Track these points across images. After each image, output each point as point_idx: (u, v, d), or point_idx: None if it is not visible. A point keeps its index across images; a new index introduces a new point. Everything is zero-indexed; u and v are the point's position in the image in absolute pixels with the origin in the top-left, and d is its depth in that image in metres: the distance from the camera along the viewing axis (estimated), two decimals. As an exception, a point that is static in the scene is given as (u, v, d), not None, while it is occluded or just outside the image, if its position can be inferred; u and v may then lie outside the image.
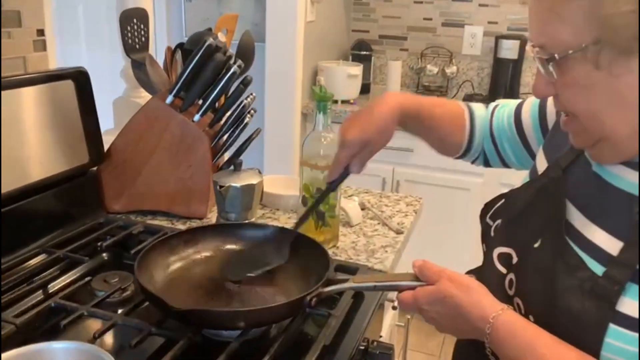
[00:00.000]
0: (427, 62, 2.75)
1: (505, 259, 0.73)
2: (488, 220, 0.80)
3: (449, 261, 2.60)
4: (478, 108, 0.99)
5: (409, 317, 1.31)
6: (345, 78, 2.45)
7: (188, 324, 0.77)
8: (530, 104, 0.90)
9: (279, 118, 2.39)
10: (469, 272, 0.77)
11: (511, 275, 0.72)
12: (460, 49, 2.76)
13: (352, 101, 2.49)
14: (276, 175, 1.40)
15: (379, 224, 1.23)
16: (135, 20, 1.26)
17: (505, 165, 0.98)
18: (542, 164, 0.78)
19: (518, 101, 0.94)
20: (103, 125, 1.23)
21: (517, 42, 2.54)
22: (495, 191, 2.42)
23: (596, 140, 0.63)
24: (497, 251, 0.75)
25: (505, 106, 0.96)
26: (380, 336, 1.06)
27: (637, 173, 0.62)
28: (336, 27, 2.76)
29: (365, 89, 2.64)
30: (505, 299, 0.70)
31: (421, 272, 0.72)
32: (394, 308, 1.15)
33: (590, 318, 0.60)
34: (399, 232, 1.19)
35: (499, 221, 0.78)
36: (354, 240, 1.15)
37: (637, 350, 0.57)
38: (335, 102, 2.45)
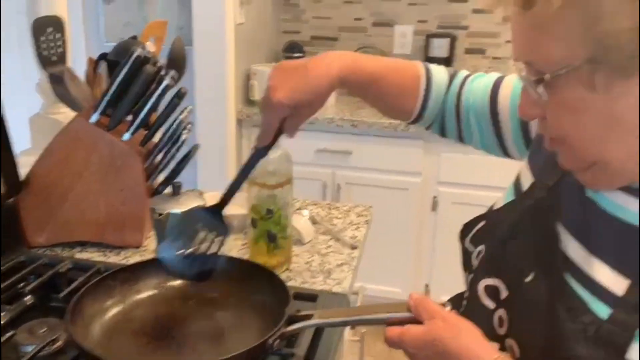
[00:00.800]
0: (360, 62, 2.73)
1: (492, 292, 0.67)
2: (468, 245, 0.74)
3: (393, 261, 2.59)
4: (438, 73, 0.88)
5: (363, 330, 1.26)
6: (279, 81, 2.37)
7: None
8: (511, 87, 0.81)
9: (212, 127, 2.28)
10: (448, 301, 0.70)
11: (501, 312, 0.65)
12: (391, 48, 2.75)
13: (287, 105, 2.42)
14: (216, 192, 1.30)
15: (331, 239, 1.17)
16: (50, 30, 1.13)
17: (462, 140, 0.90)
18: (526, 178, 0.71)
19: (495, 76, 0.85)
20: (19, 145, 1.09)
21: (447, 40, 2.56)
22: (434, 189, 2.42)
23: (589, 164, 0.57)
24: (482, 283, 0.69)
25: (480, 78, 0.86)
26: (342, 362, 1.00)
27: (637, 200, 0.57)
28: (267, 29, 2.68)
29: (299, 92, 2.58)
30: (495, 338, 0.64)
31: (416, 307, 0.64)
32: (352, 327, 1.09)
33: None
34: (353, 248, 1.13)
35: (481, 247, 0.71)
36: (307, 260, 1.08)
37: None
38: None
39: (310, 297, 0.90)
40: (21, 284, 0.91)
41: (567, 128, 0.56)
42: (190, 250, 0.80)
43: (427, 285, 2.44)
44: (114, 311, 0.80)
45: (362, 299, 1.21)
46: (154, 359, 0.73)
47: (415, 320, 0.64)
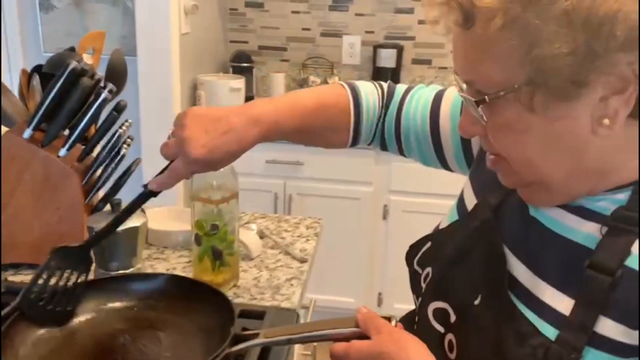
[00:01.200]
0: (309, 72, 2.73)
1: (441, 315, 0.67)
2: (416, 267, 0.74)
3: (346, 271, 2.58)
4: (367, 97, 0.84)
5: (315, 344, 1.25)
6: (227, 92, 2.34)
7: None
8: (450, 103, 0.81)
9: (158, 139, 2.21)
10: (400, 321, 0.67)
11: (450, 336, 0.65)
12: (340, 58, 2.77)
13: (236, 116, 2.39)
14: (161, 207, 1.26)
15: (280, 252, 1.15)
16: (-23, 41, 1.07)
17: (403, 155, 0.90)
18: (470, 198, 0.72)
19: (435, 89, 0.85)
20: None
21: (394, 51, 2.60)
22: (385, 198, 2.43)
23: (529, 182, 0.58)
24: (432, 306, 0.68)
25: (420, 93, 0.85)
26: (293, 379, 0.98)
27: (579, 218, 0.58)
28: (213, 39, 2.64)
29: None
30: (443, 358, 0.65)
31: (365, 322, 0.62)
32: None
33: None
34: (302, 261, 1.12)
35: (428, 269, 0.71)
36: (255, 275, 1.05)
37: None
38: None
39: (257, 314, 0.88)
40: (-54, 313, 0.85)
41: (507, 147, 0.57)
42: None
43: (380, 294, 2.44)
44: (49, 337, 0.75)
45: (313, 312, 1.20)
46: None
47: (362, 335, 0.63)
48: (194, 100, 2.40)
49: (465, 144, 0.79)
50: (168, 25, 2.14)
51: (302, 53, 2.79)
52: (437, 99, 0.83)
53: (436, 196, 2.22)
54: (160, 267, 1.07)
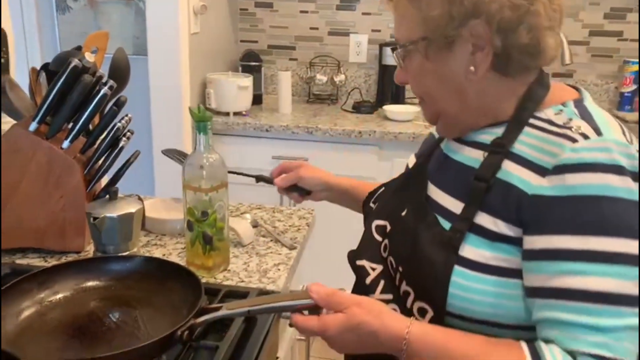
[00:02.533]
0: (316, 71, 2.78)
1: (381, 229, 0.88)
2: (371, 204, 0.97)
3: (337, 263, 2.64)
4: None
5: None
6: (235, 90, 2.40)
7: None
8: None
9: (167, 135, 2.30)
10: (351, 250, 0.92)
11: (386, 241, 0.86)
12: (347, 57, 2.82)
13: (244, 112, 2.46)
14: (160, 197, 1.33)
15: (271, 240, 1.21)
16: (-10, 41, 1.15)
17: None
18: (412, 163, 0.96)
19: None
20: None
21: (400, 49, 2.64)
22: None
23: (436, 115, 0.82)
24: (374, 223, 0.90)
25: None
26: (277, 357, 1.03)
27: (470, 148, 0.80)
28: (223, 38, 2.71)
29: (257, 100, 2.62)
30: (381, 260, 0.86)
31: (328, 302, 0.74)
32: (290, 325, 1.13)
33: (441, 262, 0.74)
34: (292, 248, 1.17)
35: (377, 203, 0.95)
36: (245, 261, 1.12)
37: (475, 285, 0.72)
38: (227, 114, 2.40)
39: (242, 294, 0.94)
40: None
41: (418, 86, 0.82)
42: None
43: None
44: (28, 312, 0.82)
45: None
46: (67, 354, 0.76)
47: (315, 306, 0.72)
48: (203, 97, 2.48)
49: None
50: (177, 25, 2.21)
51: (309, 52, 2.84)
52: None
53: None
54: (157, 253, 1.14)
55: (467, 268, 0.72)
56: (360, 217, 2.55)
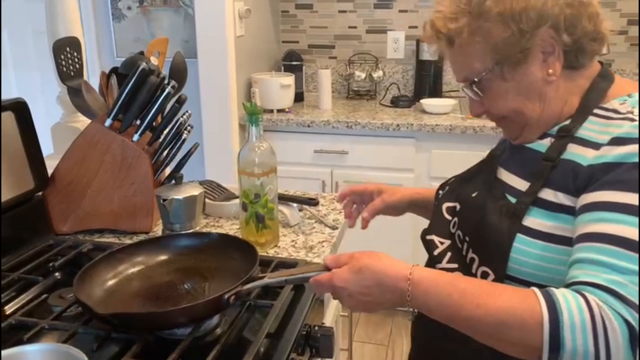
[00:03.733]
0: (355, 68, 2.89)
1: (451, 210, 0.96)
2: (440, 191, 1.04)
3: (388, 249, 2.74)
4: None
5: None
6: (278, 88, 2.55)
7: (130, 327, 0.85)
8: None
9: (216, 131, 2.46)
10: (424, 229, 0.98)
11: (455, 219, 0.94)
12: (384, 53, 2.92)
13: (287, 109, 2.60)
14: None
15: (316, 222, 1.34)
16: (68, 49, 1.31)
17: None
18: None
19: None
20: (42, 150, 1.27)
21: (436, 44, 2.72)
22: (425, 184, 2.56)
23: (521, 128, 0.88)
24: (445, 205, 0.97)
25: None
26: (323, 323, 1.16)
27: (541, 138, 0.87)
28: (266, 40, 2.86)
29: (299, 97, 2.75)
30: (449, 236, 0.93)
31: (334, 262, 0.82)
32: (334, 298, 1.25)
33: (505, 230, 0.82)
34: (334, 228, 1.30)
35: (447, 187, 1.02)
36: (293, 239, 1.25)
37: (534, 250, 0.79)
38: (271, 111, 2.55)
39: (290, 265, 1.07)
40: (50, 263, 1.09)
41: (500, 108, 0.87)
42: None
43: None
44: (112, 282, 0.97)
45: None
46: (141, 309, 0.91)
47: None
48: (248, 96, 2.63)
49: None
50: (224, 29, 2.36)
51: (348, 50, 2.96)
52: None
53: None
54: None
55: (528, 236, 0.80)
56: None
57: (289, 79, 2.58)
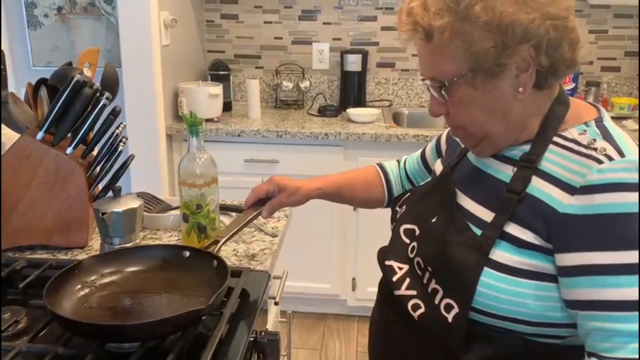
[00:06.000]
0: (282, 78, 2.94)
1: (410, 232, 0.96)
2: (397, 208, 1.04)
3: (321, 259, 2.79)
4: (390, 165, 1.27)
5: (290, 312, 1.45)
6: (206, 98, 2.54)
7: (95, 338, 0.84)
8: (431, 147, 1.18)
9: (143, 142, 2.41)
10: (381, 249, 1.02)
11: (414, 244, 0.94)
12: (310, 64, 2.99)
13: (215, 119, 2.59)
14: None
15: (255, 230, 1.36)
16: (-9, 60, 1.26)
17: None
18: (439, 169, 1.04)
19: (421, 149, 1.23)
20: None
21: (359, 56, 2.82)
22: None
23: (479, 140, 0.88)
24: (403, 227, 0.98)
25: (413, 155, 1.25)
26: (267, 329, 1.18)
27: (501, 162, 0.88)
28: (192, 49, 2.84)
29: (227, 107, 2.76)
30: (408, 261, 0.94)
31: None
32: (275, 304, 1.28)
33: (472, 264, 0.82)
34: (274, 236, 1.33)
35: (404, 206, 1.02)
36: (234, 248, 1.26)
37: (501, 285, 0.80)
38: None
39: (236, 274, 1.08)
40: (-20, 283, 1.04)
41: (462, 116, 0.86)
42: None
43: (353, 279, 2.66)
44: (82, 293, 0.96)
45: (285, 282, 1.40)
46: (112, 320, 0.91)
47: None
48: (175, 105, 2.60)
49: (438, 147, 1.15)
50: (149, 38, 2.33)
51: (275, 60, 3.00)
52: (423, 150, 1.22)
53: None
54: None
55: (495, 270, 0.80)
56: (329, 209, 2.71)
57: (217, 89, 2.58)
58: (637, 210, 0.73)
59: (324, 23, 2.95)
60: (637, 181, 0.74)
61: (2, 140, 1.48)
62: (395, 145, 2.45)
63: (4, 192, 1.19)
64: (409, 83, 2.99)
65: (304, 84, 2.88)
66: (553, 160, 0.82)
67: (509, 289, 0.80)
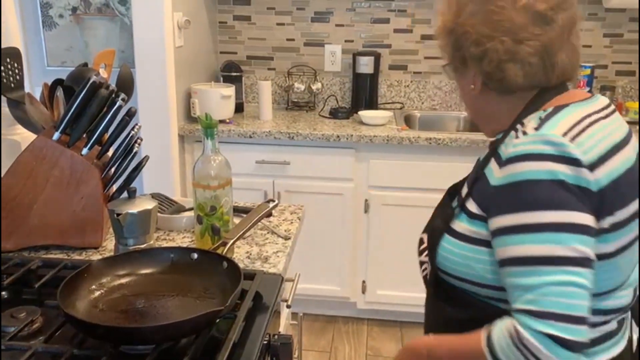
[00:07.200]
0: (294, 80, 2.94)
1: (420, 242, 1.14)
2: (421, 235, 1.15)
3: (331, 262, 2.80)
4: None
5: (301, 314, 1.45)
6: (219, 99, 2.55)
7: (110, 340, 0.84)
8: None
9: (155, 142, 2.42)
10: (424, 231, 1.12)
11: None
12: (322, 66, 2.99)
13: (228, 120, 2.60)
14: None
15: (268, 232, 1.36)
16: (8, 60, 1.28)
17: None
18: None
19: None
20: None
21: (371, 58, 2.82)
22: (365, 194, 2.64)
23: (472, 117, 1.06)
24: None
25: None
26: (279, 332, 1.18)
27: (487, 150, 0.98)
28: (205, 50, 2.85)
29: (239, 108, 2.76)
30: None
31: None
32: (288, 307, 1.28)
33: (438, 231, 0.99)
34: (287, 238, 1.33)
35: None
36: (247, 250, 1.26)
37: (454, 249, 0.95)
38: (211, 122, 2.54)
39: (249, 276, 1.08)
40: (-3, 282, 1.05)
41: (460, 96, 1.06)
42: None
43: (363, 282, 2.65)
44: (95, 295, 0.97)
45: (297, 283, 1.40)
46: (127, 322, 0.91)
47: None
48: (188, 106, 2.61)
49: None
50: (163, 39, 2.34)
51: (287, 62, 3.01)
52: None
53: (410, 190, 2.45)
54: (170, 245, 1.27)
55: (452, 237, 0.96)
56: (340, 211, 2.71)
57: (229, 90, 2.59)
58: (542, 177, 0.83)
59: (337, 25, 2.95)
60: (543, 152, 0.84)
61: (15, 139, 1.49)
62: (407, 148, 2.44)
63: (21, 191, 1.20)
64: (421, 86, 2.98)
65: (316, 86, 2.88)
66: (507, 142, 0.92)
67: (459, 253, 0.95)
